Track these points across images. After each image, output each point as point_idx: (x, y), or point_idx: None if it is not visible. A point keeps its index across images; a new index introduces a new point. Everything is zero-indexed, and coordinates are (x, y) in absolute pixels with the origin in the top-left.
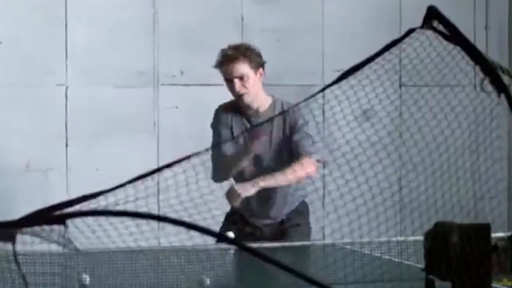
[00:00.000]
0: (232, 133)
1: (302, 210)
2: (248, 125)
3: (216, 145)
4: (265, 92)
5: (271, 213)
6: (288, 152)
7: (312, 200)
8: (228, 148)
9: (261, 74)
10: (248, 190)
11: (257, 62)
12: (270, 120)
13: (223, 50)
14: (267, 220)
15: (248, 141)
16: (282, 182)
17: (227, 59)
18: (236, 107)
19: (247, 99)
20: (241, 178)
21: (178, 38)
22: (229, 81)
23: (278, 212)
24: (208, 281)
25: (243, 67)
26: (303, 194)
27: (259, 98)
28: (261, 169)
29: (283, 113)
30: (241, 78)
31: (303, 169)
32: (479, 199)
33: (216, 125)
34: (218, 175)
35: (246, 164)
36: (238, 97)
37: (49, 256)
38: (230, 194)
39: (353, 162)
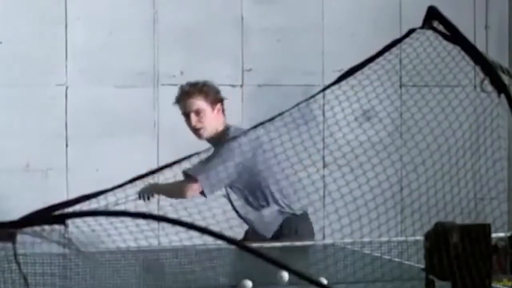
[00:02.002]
0: None
1: (285, 231)
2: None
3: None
4: (223, 125)
5: (258, 235)
6: None
7: (313, 201)
8: None
9: (218, 110)
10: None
11: (215, 98)
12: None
13: (181, 86)
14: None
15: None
16: (165, 194)
17: (184, 94)
18: None
19: (203, 134)
20: None
21: (178, 38)
22: (186, 116)
23: (262, 235)
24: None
25: (199, 102)
26: (280, 214)
27: (216, 133)
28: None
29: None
30: (197, 112)
31: (181, 188)
32: (479, 199)
33: None
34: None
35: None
36: (195, 131)
37: (49, 256)
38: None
39: (354, 163)
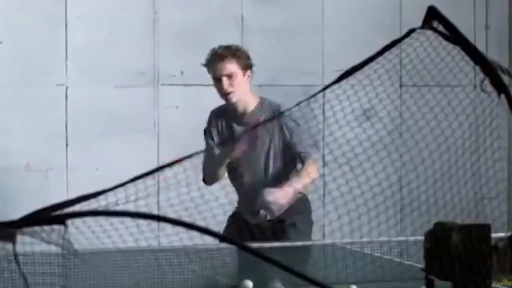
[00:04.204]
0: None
1: (301, 209)
2: (237, 127)
3: (205, 151)
4: (253, 94)
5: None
6: (284, 153)
7: (312, 199)
8: (216, 153)
9: (248, 76)
10: (287, 196)
11: (246, 63)
12: (257, 120)
13: (213, 49)
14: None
15: (230, 144)
16: (304, 186)
17: (217, 57)
18: (226, 111)
19: (233, 98)
20: (237, 180)
21: (178, 38)
22: (217, 80)
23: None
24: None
25: (231, 66)
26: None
27: (246, 99)
28: (258, 171)
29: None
30: (229, 76)
31: (312, 173)
32: (479, 199)
33: (206, 131)
34: (207, 178)
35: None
36: (225, 95)
37: (49, 256)
38: (271, 204)
39: (353, 162)
